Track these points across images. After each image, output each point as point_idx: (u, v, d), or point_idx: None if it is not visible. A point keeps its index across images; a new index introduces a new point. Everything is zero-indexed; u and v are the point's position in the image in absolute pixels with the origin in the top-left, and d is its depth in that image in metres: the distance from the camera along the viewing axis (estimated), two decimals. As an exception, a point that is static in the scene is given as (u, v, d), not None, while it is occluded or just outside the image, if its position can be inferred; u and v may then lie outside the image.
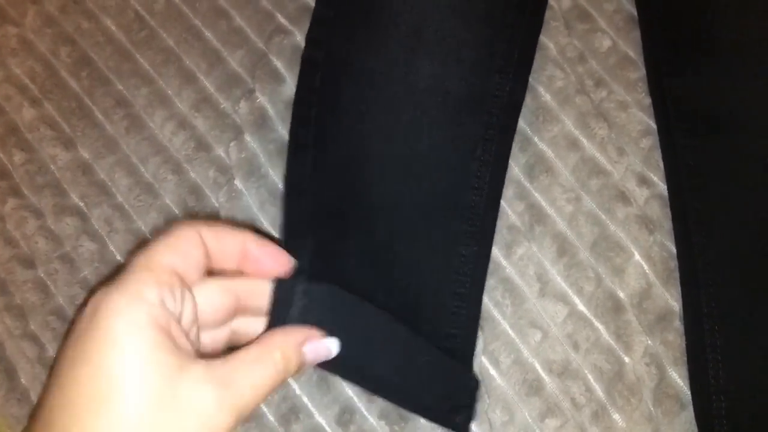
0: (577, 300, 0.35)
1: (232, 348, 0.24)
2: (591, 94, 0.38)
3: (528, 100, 0.38)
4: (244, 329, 0.26)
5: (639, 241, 0.35)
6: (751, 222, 0.34)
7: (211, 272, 0.25)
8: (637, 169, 0.37)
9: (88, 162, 0.39)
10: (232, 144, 0.38)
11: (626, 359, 0.34)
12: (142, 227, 0.37)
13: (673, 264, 0.35)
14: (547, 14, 0.39)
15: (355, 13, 0.36)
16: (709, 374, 0.33)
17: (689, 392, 0.33)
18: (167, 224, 0.37)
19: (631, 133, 0.37)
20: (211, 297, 0.25)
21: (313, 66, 0.36)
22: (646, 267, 0.35)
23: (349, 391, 0.34)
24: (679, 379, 0.34)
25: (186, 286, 0.23)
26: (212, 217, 0.37)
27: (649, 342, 0.34)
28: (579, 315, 0.35)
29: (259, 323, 0.26)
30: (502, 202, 0.36)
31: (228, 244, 0.25)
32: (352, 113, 0.35)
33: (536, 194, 0.37)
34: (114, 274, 0.29)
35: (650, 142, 0.37)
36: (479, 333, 0.34)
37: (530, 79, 0.38)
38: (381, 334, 0.29)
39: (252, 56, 0.40)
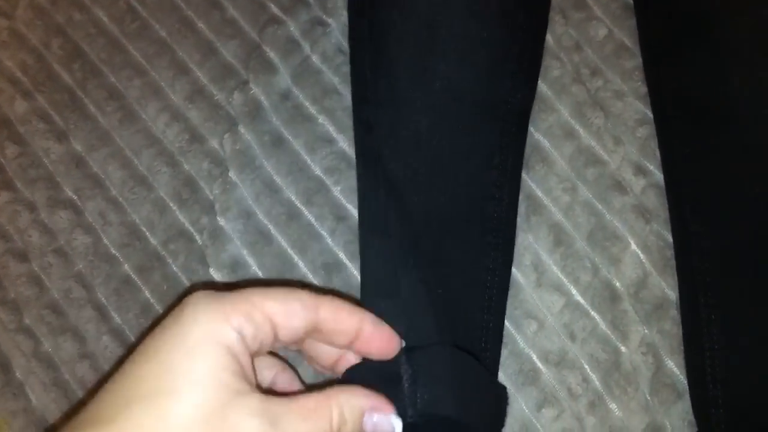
0: (573, 290, 0.35)
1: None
2: (587, 84, 0.38)
3: (524, 89, 0.37)
4: (313, 350, 0.26)
5: (635, 230, 0.35)
6: (747, 211, 0.34)
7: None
8: (633, 158, 0.37)
9: (81, 155, 0.39)
10: (226, 136, 0.38)
11: (623, 349, 0.34)
12: (137, 220, 0.37)
13: (670, 253, 0.35)
14: (543, 3, 0.39)
15: (371, 11, 0.35)
16: (706, 363, 0.33)
17: (686, 381, 0.33)
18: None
19: (628, 122, 0.37)
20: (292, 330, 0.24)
21: (362, 60, 0.35)
22: (642, 256, 0.35)
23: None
24: (675, 368, 0.34)
25: (273, 340, 0.23)
26: (207, 209, 0.37)
27: (646, 331, 0.34)
28: (575, 305, 0.35)
29: (330, 350, 0.26)
30: (498, 193, 0.36)
31: (344, 324, 0.25)
32: (374, 118, 0.34)
33: (532, 184, 0.36)
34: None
35: (647, 132, 0.37)
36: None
37: (526, 69, 0.37)
38: (480, 398, 0.28)
39: (245, 47, 0.39)
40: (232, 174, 0.37)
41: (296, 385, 0.27)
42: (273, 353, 0.27)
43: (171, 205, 0.37)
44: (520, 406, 0.34)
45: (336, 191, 0.37)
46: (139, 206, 0.37)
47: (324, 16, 0.40)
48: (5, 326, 0.36)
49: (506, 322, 0.35)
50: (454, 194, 0.34)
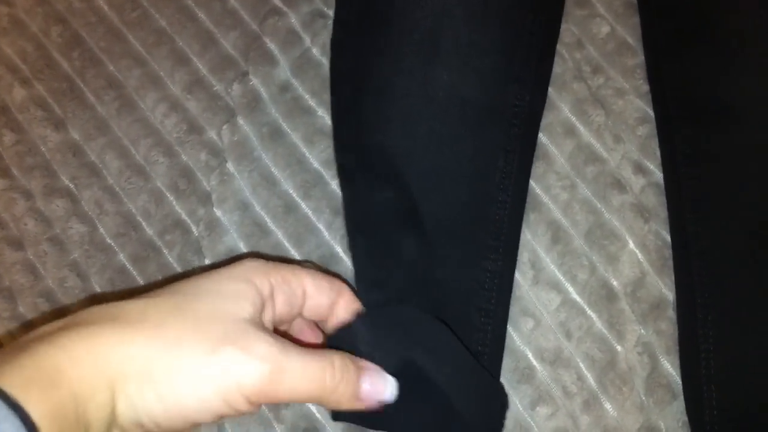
0: (570, 288, 0.35)
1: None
2: (588, 81, 0.37)
3: (525, 86, 0.37)
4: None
5: (634, 229, 0.35)
6: (746, 212, 0.34)
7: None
8: (633, 156, 0.36)
9: (78, 143, 0.38)
10: (224, 127, 0.37)
11: (619, 348, 0.34)
12: (133, 210, 0.37)
13: (668, 253, 0.35)
14: None
15: (371, 22, 0.35)
16: (701, 364, 0.33)
17: (681, 382, 0.33)
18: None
19: (628, 120, 0.37)
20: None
21: (342, 75, 0.36)
22: (640, 256, 0.35)
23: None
24: (671, 368, 0.34)
25: (301, 307, 0.27)
26: (204, 200, 0.36)
27: (642, 331, 0.34)
28: (572, 303, 0.35)
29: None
30: (497, 189, 0.36)
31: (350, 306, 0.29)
32: (371, 127, 0.34)
33: (531, 181, 0.36)
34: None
35: (647, 130, 0.37)
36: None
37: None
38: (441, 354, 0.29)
39: (246, 38, 0.39)
40: (229, 165, 0.37)
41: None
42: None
43: (168, 195, 0.37)
44: (514, 403, 0.33)
45: (334, 184, 0.36)
46: (136, 196, 0.37)
47: (325, 9, 0.39)
48: (-1, 314, 0.36)
49: (502, 319, 0.35)
50: (454, 197, 0.33)
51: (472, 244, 0.33)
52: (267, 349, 0.23)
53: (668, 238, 0.35)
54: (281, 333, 0.28)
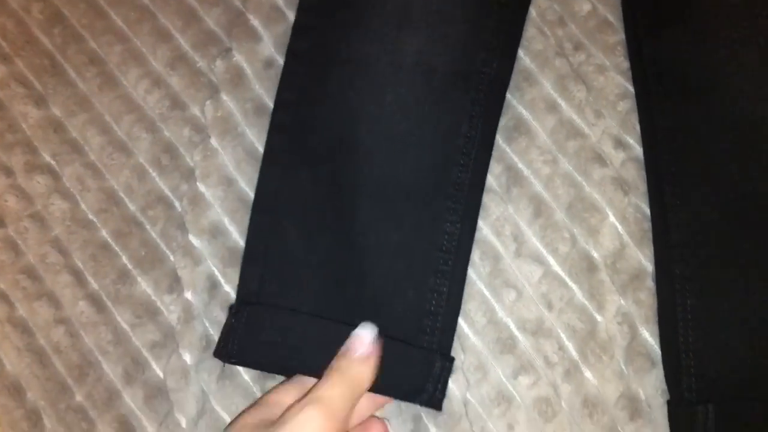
0: (551, 260, 0.35)
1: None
2: (570, 58, 0.38)
3: (507, 62, 0.37)
4: None
5: (614, 202, 0.36)
6: (724, 185, 0.35)
7: None
8: (614, 131, 0.37)
9: (59, 120, 0.38)
10: (207, 102, 0.37)
11: (599, 318, 0.35)
12: (115, 186, 0.37)
13: (647, 225, 0.35)
14: (528, -23, 0.39)
15: None
16: (679, 333, 0.33)
17: (660, 350, 0.34)
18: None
19: (609, 96, 0.37)
20: None
21: (298, 57, 0.36)
22: (620, 228, 0.35)
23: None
24: (650, 337, 0.34)
25: None
26: (187, 175, 0.36)
27: (622, 301, 0.35)
28: (553, 275, 0.35)
29: None
30: (480, 164, 0.36)
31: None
32: (338, 97, 0.35)
33: (513, 156, 0.37)
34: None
35: (627, 106, 0.37)
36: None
37: (509, 41, 0.37)
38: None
39: (229, 14, 0.39)
40: (213, 141, 0.37)
41: None
42: None
43: (150, 171, 0.37)
44: (497, 373, 0.34)
45: (318, 160, 0.37)
46: (118, 172, 0.37)
47: (309, -14, 0.39)
48: (-21, 291, 0.35)
49: (485, 291, 0.35)
50: (416, 161, 0.34)
51: (430, 207, 0.34)
52: None
53: (647, 210, 0.36)
54: None
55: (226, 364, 0.33)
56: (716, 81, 0.36)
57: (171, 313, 0.35)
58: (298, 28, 0.37)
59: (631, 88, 0.37)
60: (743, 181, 0.35)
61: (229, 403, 0.33)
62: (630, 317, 0.34)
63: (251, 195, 0.36)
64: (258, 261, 0.33)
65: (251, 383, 0.34)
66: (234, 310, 0.32)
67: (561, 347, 0.34)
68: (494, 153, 0.36)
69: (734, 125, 0.35)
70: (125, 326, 0.35)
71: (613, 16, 0.39)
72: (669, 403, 0.33)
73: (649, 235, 0.35)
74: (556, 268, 0.35)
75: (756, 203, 0.34)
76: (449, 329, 0.33)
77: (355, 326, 0.31)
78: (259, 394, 0.34)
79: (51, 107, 0.38)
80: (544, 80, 0.38)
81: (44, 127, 0.38)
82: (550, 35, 0.38)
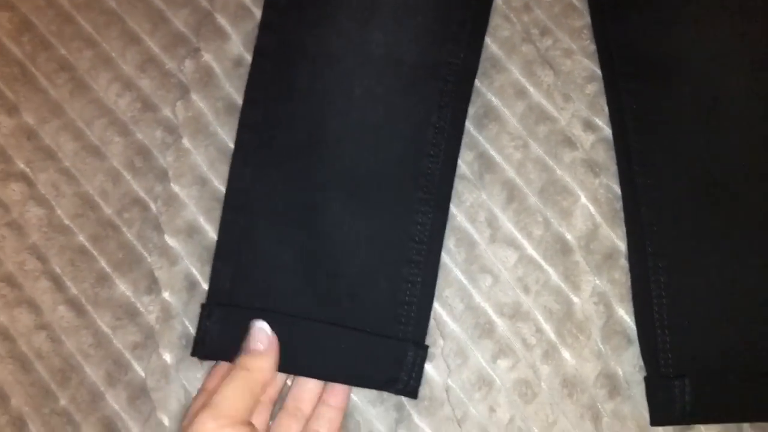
0: (526, 244, 0.36)
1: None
2: (537, 43, 0.38)
3: (475, 50, 0.38)
4: None
5: (585, 184, 0.36)
6: (692, 162, 0.35)
7: None
8: (582, 114, 0.37)
9: (32, 127, 0.38)
10: (178, 103, 0.38)
11: (575, 299, 0.35)
12: (90, 190, 0.37)
13: (619, 205, 0.36)
14: (492, -35, 0.39)
15: None
16: (654, 310, 0.34)
17: (635, 328, 0.34)
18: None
19: (577, 79, 0.38)
20: None
21: (265, 55, 0.36)
22: (592, 209, 0.36)
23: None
24: (626, 315, 0.35)
25: None
26: (161, 176, 0.36)
27: (597, 281, 0.35)
28: (529, 258, 0.35)
29: None
30: (451, 152, 0.36)
31: None
32: (306, 92, 0.35)
33: (485, 143, 0.37)
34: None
35: (595, 88, 0.37)
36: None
37: (476, 29, 0.38)
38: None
39: (196, 14, 0.39)
40: (185, 141, 0.37)
41: None
42: None
43: (125, 174, 0.37)
44: (477, 358, 0.34)
45: (291, 156, 0.37)
46: (92, 176, 0.37)
47: (275, -17, 0.39)
48: (-41, 301, 0.35)
49: (462, 277, 0.35)
50: (388, 154, 0.34)
51: (402, 198, 0.34)
52: None
53: (618, 190, 0.36)
54: None
55: (206, 362, 0.34)
56: (682, 60, 0.37)
57: (150, 314, 0.35)
58: (264, 26, 0.37)
59: (598, 71, 0.38)
60: (711, 158, 0.35)
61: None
62: (605, 297, 0.35)
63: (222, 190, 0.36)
64: (230, 259, 0.33)
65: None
66: (207, 312, 0.33)
67: (539, 329, 0.35)
68: (466, 140, 0.37)
69: (698, 102, 0.36)
70: (106, 329, 0.35)
71: (578, 0, 0.39)
72: (646, 379, 0.34)
73: (621, 214, 0.35)
74: (531, 251, 0.35)
75: (723, 179, 0.35)
76: (424, 318, 0.34)
77: (329, 322, 0.32)
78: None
79: (23, 115, 0.38)
80: (512, 66, 0.38)
81: (17, 135, 0.38)
82: (516, 22, 0.38)
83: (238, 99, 0.38)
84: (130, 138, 0.37)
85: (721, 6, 0.36)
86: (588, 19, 0.38)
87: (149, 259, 0.35)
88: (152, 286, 0.35)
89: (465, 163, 0.36)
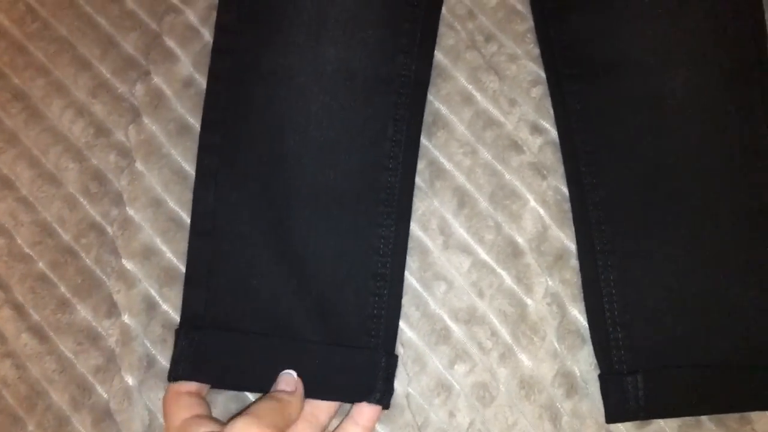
0: (479, 249, 0.36)
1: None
2: (482, 50, 0.39)
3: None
4: None
5: (533, 187, 0.37)
6: (637, 160, 0.36)
7: None
8: (529, 118, 0.38)
9: (-12, 158, 0.39)
10: (131, 127, 0.38)
11: (529, 301, 0.35)
12: (48, 218, 0.37)
13: (567, 206, 0.36)
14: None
15: (257, 12, 0.36)
16: (605, 308, 0.34)
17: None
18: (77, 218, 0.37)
19: (522, 83, 0.38)
20: None
21: (220, 78, 0.36)
22: (541, 211, 0.36)
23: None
24: (579, 314, 0.35)
25: None
26: (117, 200, 0.37)
27: (549, 282, 0.36)
28: (482, 263, 0.36)
29: None
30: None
31: None
32: (263, 112, 0.35)
33: (434, 151, 0.37)
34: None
35: (541, 91, 0.38)
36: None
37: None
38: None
39: (145, 38, 0.39)
40: (138, 164, 0.37)
41: None
42: None
43: (81, 199, 0.37)
44: (434, 364, 0.35)
45: (246, 173, 0.37)
46: (49, 204, 0.37)
47: (223, 2, 0.40)
48: None
49: (417, 285, 0.36)
50: (346, 168, 0.35)
51: (365, 213, 0.34)
52: None
53: (566, 192, 0.36)
54: None
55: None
56: (624, 60, 0.37)
57: (110, 337, 0.35)
58: (216, 49, 0.37)
59: (543, 74, 0.38)
60: (656, 155, 0.36)
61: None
62: (558, 297, 0.35)
63: (181, 214, 0.37)
64: (201, 284, 0.34)
65: (196, 398, 0.34)
66: (182, 336, 0.33)
67: (494, 333, 0.35)
68: (416, 149, 0.37)
69: (640, 101, 0.36)
70: (69, 354, 0.35)
71: (522, 5, 0.39)
72: (600, 376, 0.34)
73: (570, 215, 0.36)
74: (484, 256, 0.36)
75: (669, 175, 0.35)
76: (392, 329, 0.34)
77: (301, 339, 0.33)
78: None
79: (-21, 146, 0.39)
80: (458, 74, 0.38)
81: (-26, 167, 0.38)
82: (460, 29, 0.39)
83: (190, 120, 0.38)
84: (85, 164, 0.38)
85: (661, 5, 0.37)
86: (531, 23, 0.39)
87: (108, 283, 0.36)
88: (112, 309, 0.36)
89: (416, 173, 0.37)
